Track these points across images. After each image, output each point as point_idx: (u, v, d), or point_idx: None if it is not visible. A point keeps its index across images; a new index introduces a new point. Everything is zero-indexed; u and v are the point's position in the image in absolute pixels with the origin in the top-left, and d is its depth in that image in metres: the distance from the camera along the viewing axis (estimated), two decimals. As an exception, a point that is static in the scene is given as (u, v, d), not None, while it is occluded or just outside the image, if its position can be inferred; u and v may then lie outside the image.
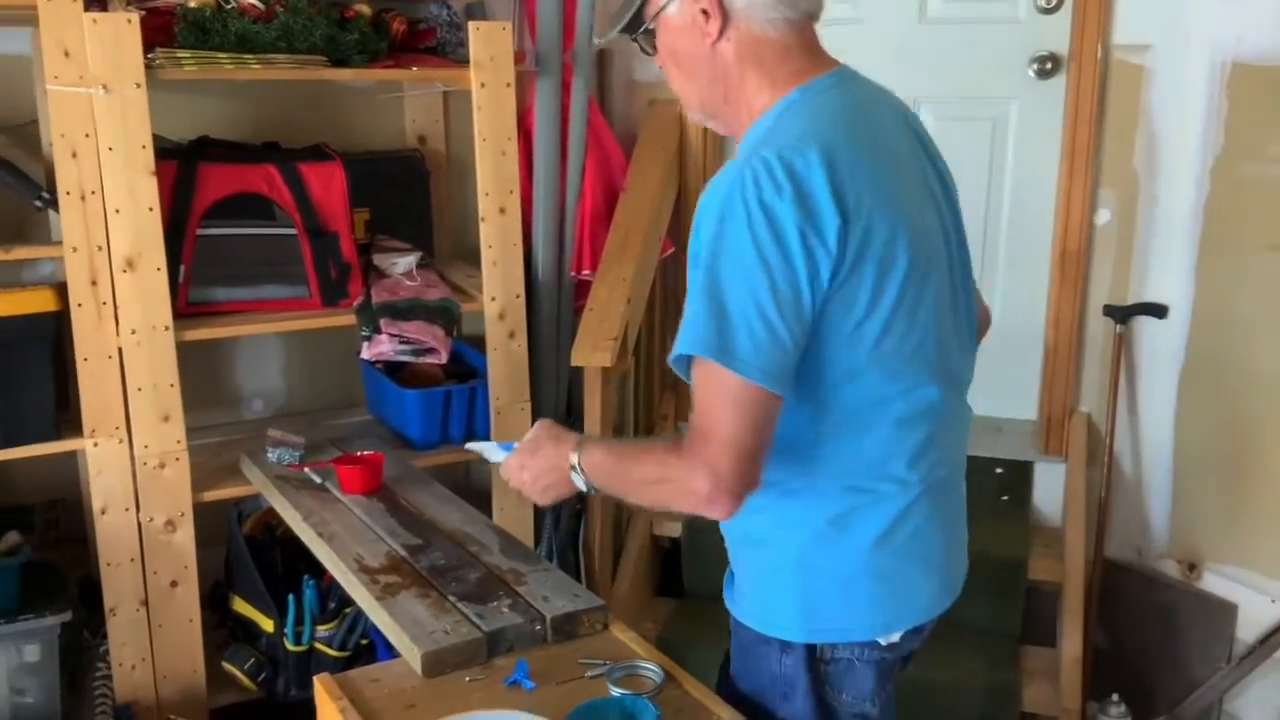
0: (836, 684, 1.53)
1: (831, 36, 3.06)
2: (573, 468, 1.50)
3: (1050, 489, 3.07)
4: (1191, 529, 2.92)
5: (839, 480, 1.45)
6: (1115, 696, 2.79)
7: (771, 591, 1.52)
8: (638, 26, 1.50)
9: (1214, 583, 2.88)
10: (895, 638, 1.51)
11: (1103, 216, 2.93)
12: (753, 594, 1.55)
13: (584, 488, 1.51)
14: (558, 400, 2.99)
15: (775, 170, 1.31)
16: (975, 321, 1.61)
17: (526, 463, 1.58)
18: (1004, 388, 3.17)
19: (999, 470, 3.08)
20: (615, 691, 1.55)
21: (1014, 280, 3.12)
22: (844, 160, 1.34)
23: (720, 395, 1.31)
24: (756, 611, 1.54)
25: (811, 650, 1.51)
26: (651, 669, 1.61)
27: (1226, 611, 2.84)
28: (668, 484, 1.39)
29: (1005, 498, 3.07)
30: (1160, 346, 2.91)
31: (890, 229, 1.37)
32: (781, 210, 1.30)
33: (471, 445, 1.83)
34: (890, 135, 1.49)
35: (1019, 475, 3.08)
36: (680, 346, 1.34)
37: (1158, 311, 2.88)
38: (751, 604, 1.55)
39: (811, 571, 1.48)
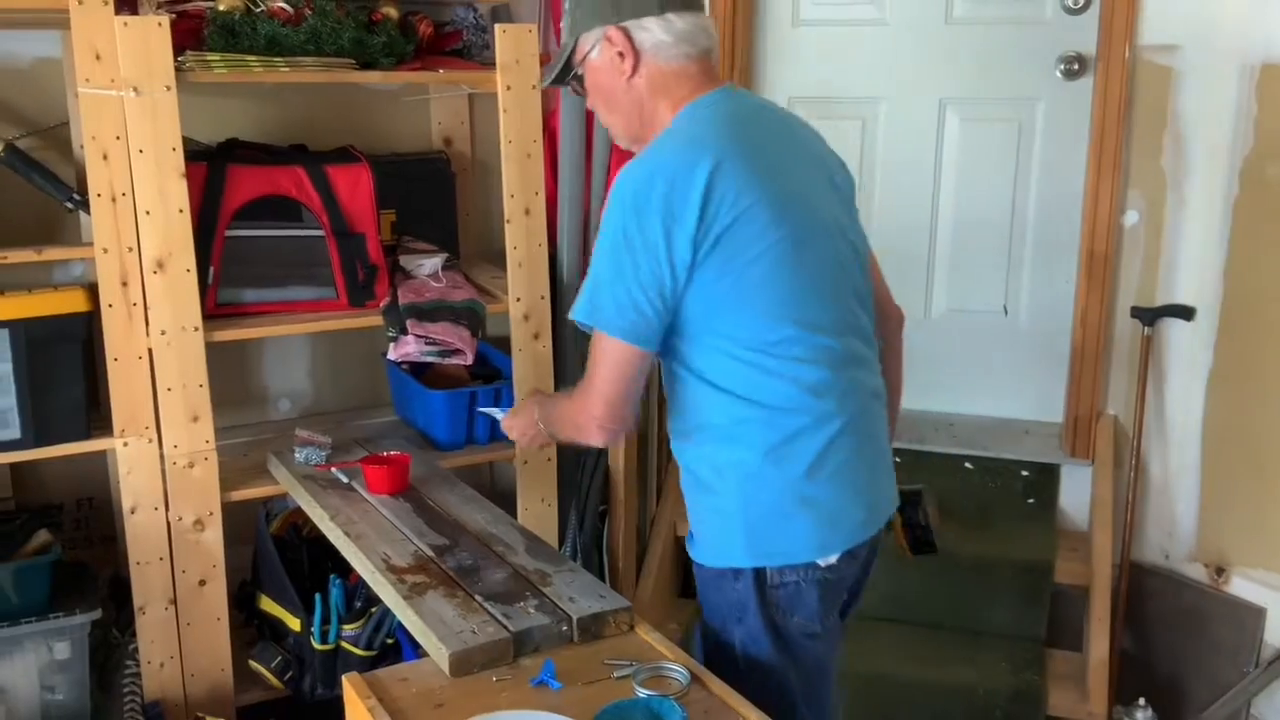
0: (786, 607, 1.73)
1: (856, 38, 3.06)
2: (539, 420, 1.91)
3: (1077, 492, 3.06)
4: (1219, 532, 2.90)
5: (763, 419, 1.67)
6: (1142, 701, 2.78)
7: (722, 529, 1.73)
8: (569, 73, 1.82)
9: (1242, 586, 2.86)
10: (833, 559, 1.72)
11: (1130, 218, 2.92)
12: (708, 535, 1.77)
13: (547, 434, 1.92)
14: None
15: (650, 171, 1.63)
16: (872, 290, 1.84)
17: (512, 423, 2.04)
18: (1030, 390, 3.17)
19: (1025, 473, 3.07)
20: (641, 692, 1.56)
21: (1041, 281, 3.11)
22: (718, 157, 1.62)
23: (602, 353, 1.67)
24: (712, 549, 1.76)
25: (759, 575, 1.71)
26: (677, 670, 1.62)
27: (1254, 615, 2.82)
28: (575, 422, 1.76)
29: (1031, 500, 3.06)
30: (1188, 348, 2.90)
31: (761, 207, 1.62)
32: (652, 201, 1.60)
33: (483, 410, 2.38)
34: (771, 134, 1.74)
35: (1045, 478, 3.07)
36: (583, 312, 1.68)
37: (1185, 313, 2.87)
38: (707, 544, 1.77)
39: (752, 504, 1.70)
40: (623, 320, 1.63)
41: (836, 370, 1.69)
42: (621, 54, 1.73)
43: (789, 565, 1.70)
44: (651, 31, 1.72)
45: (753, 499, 1.69)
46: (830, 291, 1.71)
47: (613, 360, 1.66)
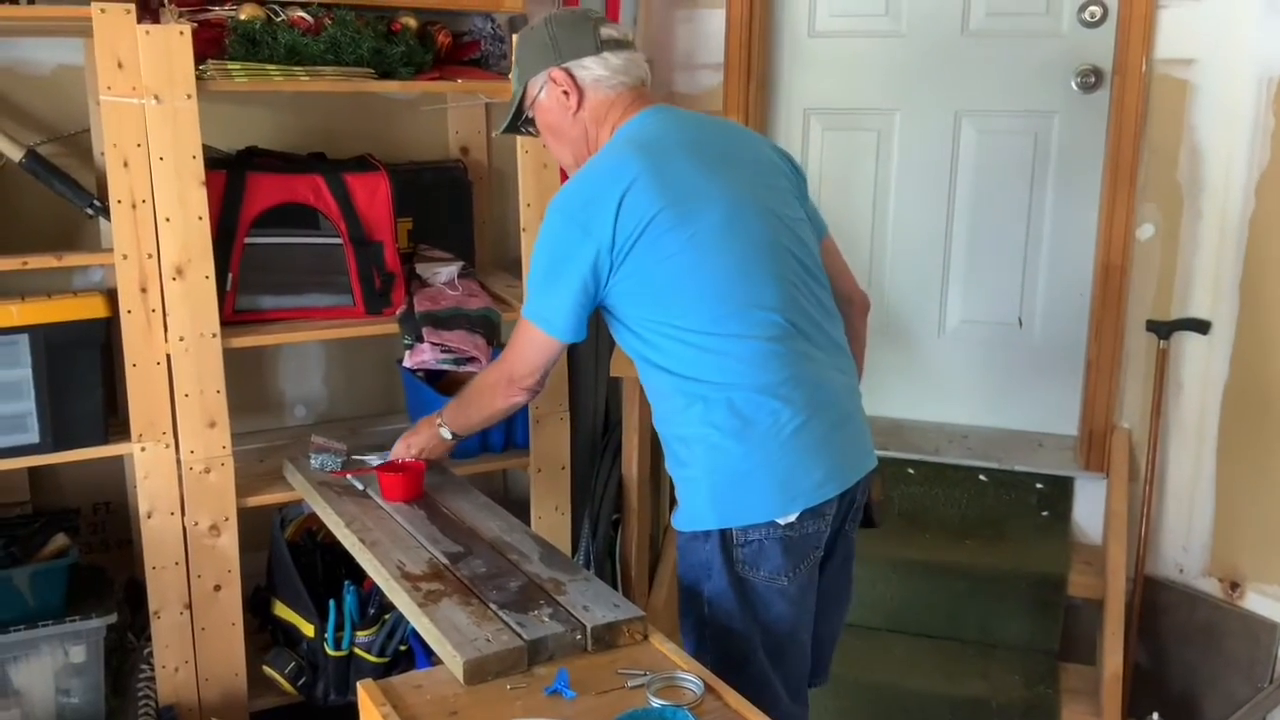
0: (751, 562, 1.87)
1: (872, 49, 3.08)
2: (441, 425, 2.23)
3: (1091, 505, 3.05)
4: (1234, 547, 2.89)
5: (715, 395, 1.82)
6: (1155, 716, 2.76)
7: (693, 497, 1.90)
8: (520, 117, 2.05)
9: (1256, 602, 2.85)
10: (792, 518, 1.85)
11: (1145, 231, 2.92)
12: (683, 504, 1.93)
13: (449, 436, 2.24)
14: (595, 411, 3.00)
15: (570, 189, 1.89)
16: (823, 270, 2.00)
17: (410, 440, 2.31)
18: (1045, 402, 3.16)
19: (1039, 485, 3.06)
20: (655, 702, 1.56)
21: (1056, 294, 3.10)
22: (631, 176, 1.81)
23: (524, 340, 1.97)
24: (686, 516, 1.92)
25: (724, 535, 1.86)
26: (691, 680, 1.62)
27: (1269, 631, 2.81)
28: (486, 391, 2.09)
29: (1045, 513, 3.06)
30: (1203, 362, 2.89)
31: (668, 212, 1.80)
32: (569, 208, 1.86)
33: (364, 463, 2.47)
34: (691, 143, 1.91)
35: (1060, 491, 3.06)
36: (525, 309, 1.95)
37: (1201, 327, 2.86)
38: (683, 512, 1.93)
39: (715, 471, 1.86)
40: (546, 312, 1.91)
41: (782, 342, 1.84)
42: (566, 92, 1.96)
43: (751, 525, 1.85)
44: (590, 69, 1.95)
45: (715, 467, 1.86)
46: (766, 272, 1.85)
47: (530, 342, 1.96)
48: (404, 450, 2.30)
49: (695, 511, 1.90)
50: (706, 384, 1.83)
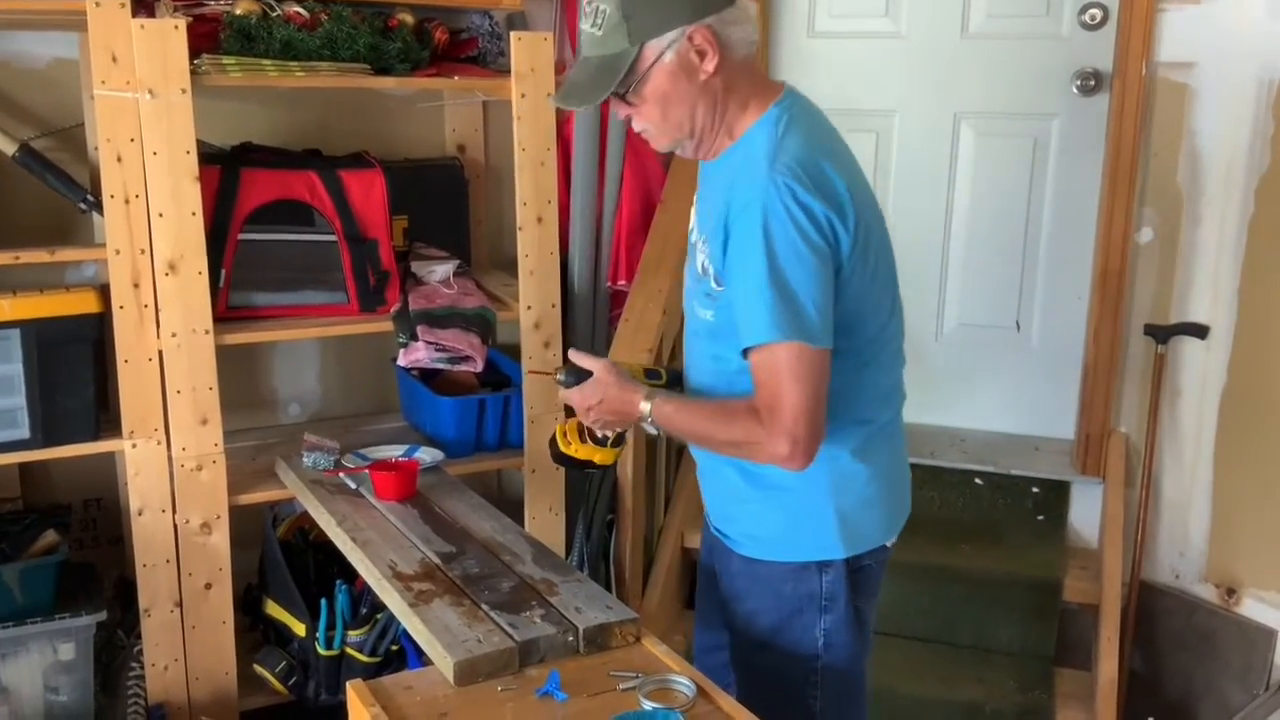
0: (865, 590, 1.80)
1: (872, 51, 3.05)
2: (643, 417, 1.74)
3: (1087, 509, 3.04)
4: (1231, 553, 2.88)
5: (852, 415, 1.69)
6: (1150, 721, 2.76)
7: (806, 523, 1.74)
8: (629, 85, 1.62)
9: (1253, 608, 2.84)
10: (894, 539, 1.83)
11: (1145, 235, 2.91)
12: (781, 531, 1.76)
13: (651, 430, 1.79)
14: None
15: (803, 176, 1.56)
16: None
17: (592, 405, 1.77)
18: (1042, 406, 3.15)
19: (1035, 489, 3.05)
20: (647, 704, 1.55)
21: (1053, 297, 3.09)
22: (843, 164, 1.64)
23: (794, 368, 1.56)
24: (789, 544, 1.76)
25: (849, 563, 1.75)
26: (683, 682, 1.61)
27: (1265, 637, 2.80)
28: (752, 446, 1.63)
29: (1041, 517, 3.05)
30: (1201, 367, 2.88)
31: (867, 211, 1.65)
32: (817, 208, 1.56)
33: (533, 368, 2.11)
34: (839, 136, 1.73)
35: (1056, 495, 3.05)
36: (761, 335, 1.57)
37: (1199, 332, 2.85)
38: (780, 540, 1.76)
39: (845, 496, 1.73)
40: (824, 327, 1.58)
41: (897, 357, 1.78)
42: (701, 53, 1.60)
43: (869, 550, 1.78)
44: (735, 26, 1.61)
45: (844, 491, 1.73)
46: (895, 294, 1.76)
47: (815, 372, 1.58)
48: (581, 407, 1.80)
49: (814, 540, 1.75)
50: (849, 400, 1.68)
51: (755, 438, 1.61)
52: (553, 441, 1.91)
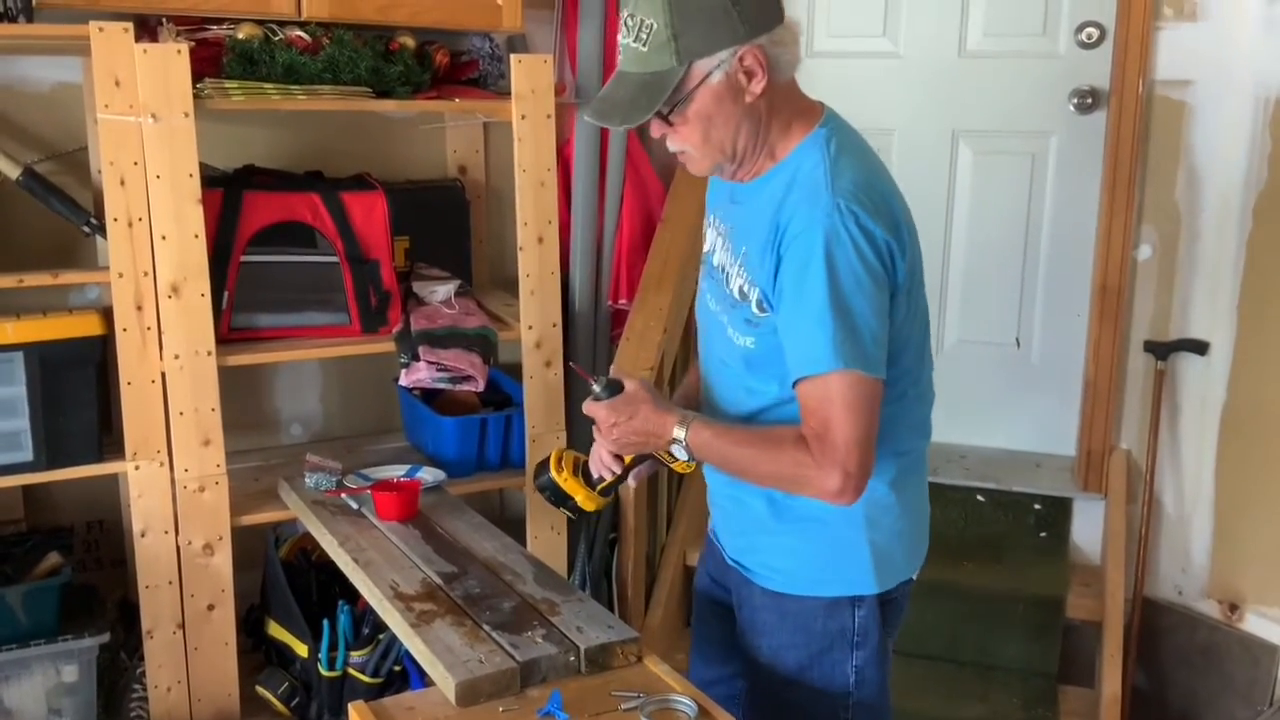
0: (892, 623, 1.77)
1: (870, 70, 3.06)
2: (675, 441, 1.64)
3: (1089, 526, 3.04)
4: (1233, 569, 2.88)
5: (889, 448, 1.62)
6: (1154, 738, 2.75)
7: (839, 557, 1.69)
8: (673, 105, 1.54)
9: (1256, 624, 2.84)
10: (918, 569, 1.80)
11: (1143, 252, 2.91)
12: (812, 565, 1.69)
13: (682, 456, 1.67)
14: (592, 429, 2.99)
15: (866, 201, 1.52)
16: None
17: (620, 421, 1.67)
18: (1043, 423, 3.16)
19: (1038, 506, 3.05)
20: (649, 724, 1.55)
21: (1053, 315, 3.10)
22: (895, 189, 1.61)
23: (850, 398, 1.51)
24: (820, 579, 1.70)
25: (882, 597, 1.71)
26: (685, 703, 1.61)
27: (1268, 653, 2.80)
28: (799, 480, 1.57)
29: (1043, 534, 3.04)
30: (1202, 383, 2.88)
31: (915, 237, 1.62)
32: (879, 234, 1.52)
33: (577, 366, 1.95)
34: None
35: (1058, 511, 3.05)
36: (820, 364, 1.51)
37: (1199, 348, 2.86)
38: (811, 575, 1.70)
39: (878, 529, 1.68)
40: (881, 357, 1.54)
41: (928, 391, 1.75)
42: (750, 74, 1.53)
43: (898, 583, 1.74)
44: (784, 47, 1.55)
45: (877, 524, 1.68)
46: (928, 321, 1.72)
47: (870, 402, 1.53)
48: (607, 423, 1.69)
49: (847, 575, 1.70)
50: (889, 431, 1.60)
51: (804, 471, 1.55)
52: (544, 463, 1.83)
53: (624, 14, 1.55)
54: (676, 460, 1.70)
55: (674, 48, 1.50)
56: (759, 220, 1.60)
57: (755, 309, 1.61)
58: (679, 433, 1.63)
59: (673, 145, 1.62)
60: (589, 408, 1.70)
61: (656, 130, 1.61)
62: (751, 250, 1.61)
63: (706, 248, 1.78)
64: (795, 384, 1.55)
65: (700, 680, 1.88)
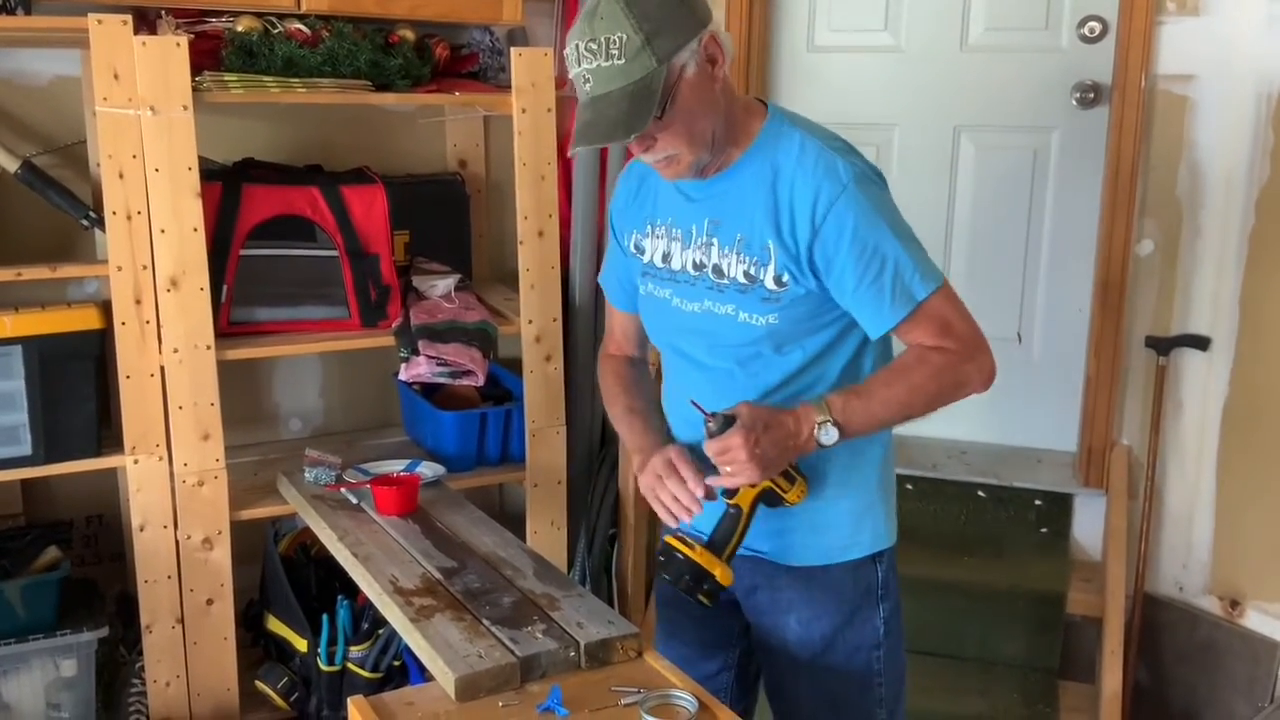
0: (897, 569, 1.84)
1: (871, 64, 3.05)
2: (822, 424, 1.60)
3: (1090, 521, 3.03)
4: (1234, 565, 2.87)
5: None
6: (1155, 734, 2.75)
7: (864, 518, 1.76)
8: (665, 103, 1.55)
9: (1257, 620, 2.83)
10: None
11: (1145, 247, 2.91)
12: (840, 534, 1.76)
13: (830, 442, 1.61)
14: (592, 423, 2.99)
15: (855, 152, 1.67)
16: None
17: (759, 437, 1.59)
18: (1043, 418, 3.15)
19: (1038, 502, 3.05)
20: (649, 720, 1.54)
21: (1055, 309, 3.09)
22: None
23: (951, 304, 1.64)
24: (848, 543, 1.76)
25: (893, 548, 1.81)
26: (685, 698, 1.60)
27: (1269, 649, 2.79)
28: (960, 380, 1.65)
29: (1044, 530, 3.04)
30: (1203, 378, 2.88)
31: None
32: (881, 172, 1.69)
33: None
34: None
35: (1058, 507, 3.04)
36: (925, 287, 1.61)
37: (1200, 343, 2.85)
38: (839, 542, 1.76)
39: (885, 486, 1.79)
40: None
41: None
42: (713, 60, 1.59)
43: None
44: (724, 34, 1.62)
45: (886, 479, 1.80)
46: None
47: (961, 304, 1.66)
48: (747, 446, 1.58)
49: (871, 534, 1.78)
50: None
51: (959, 367, 1.63)
52: (665, 551, 1.67)
53: (579, 45, 1.54)
54: (797, 481, 1.67)
55: (650, 49, 1.53)
56: (748, 204, 1.66)
57: (772, 284, 1.65)
58: (820, 415, 1.61)
59: (656, 154, 1.62)
60: (712, 446, 1.61)
61: (638, 146, 1.60)
62: (751, 234, 1.66)
63: (650, 257, 1.79)
64: (897, 325, 1.63)
65: (699, 676, 1.83)
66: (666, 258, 1.76)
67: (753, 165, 1.66)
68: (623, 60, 1.53)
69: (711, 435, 1.61)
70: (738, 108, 1.67)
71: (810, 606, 1.78)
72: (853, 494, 1.75)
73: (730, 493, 1.66)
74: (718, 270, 1.70)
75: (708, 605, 1.68)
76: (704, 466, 1.65)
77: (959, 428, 3.22)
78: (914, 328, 1.64)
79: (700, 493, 1.64)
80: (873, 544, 1.78)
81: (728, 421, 1.60)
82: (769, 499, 1.68)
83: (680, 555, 1.66)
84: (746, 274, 1.67)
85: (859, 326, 1.68)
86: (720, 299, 1.70)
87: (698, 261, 1.72)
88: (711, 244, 1.70)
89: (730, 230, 1.68)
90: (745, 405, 1.63)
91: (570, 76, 1.58)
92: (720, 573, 1.65)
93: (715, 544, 1.67)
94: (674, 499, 1.66)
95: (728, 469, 1.61)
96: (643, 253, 1.81)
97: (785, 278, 1.64)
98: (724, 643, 1.93)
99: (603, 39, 1.53)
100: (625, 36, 1.52)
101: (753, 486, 1.65)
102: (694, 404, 1.67)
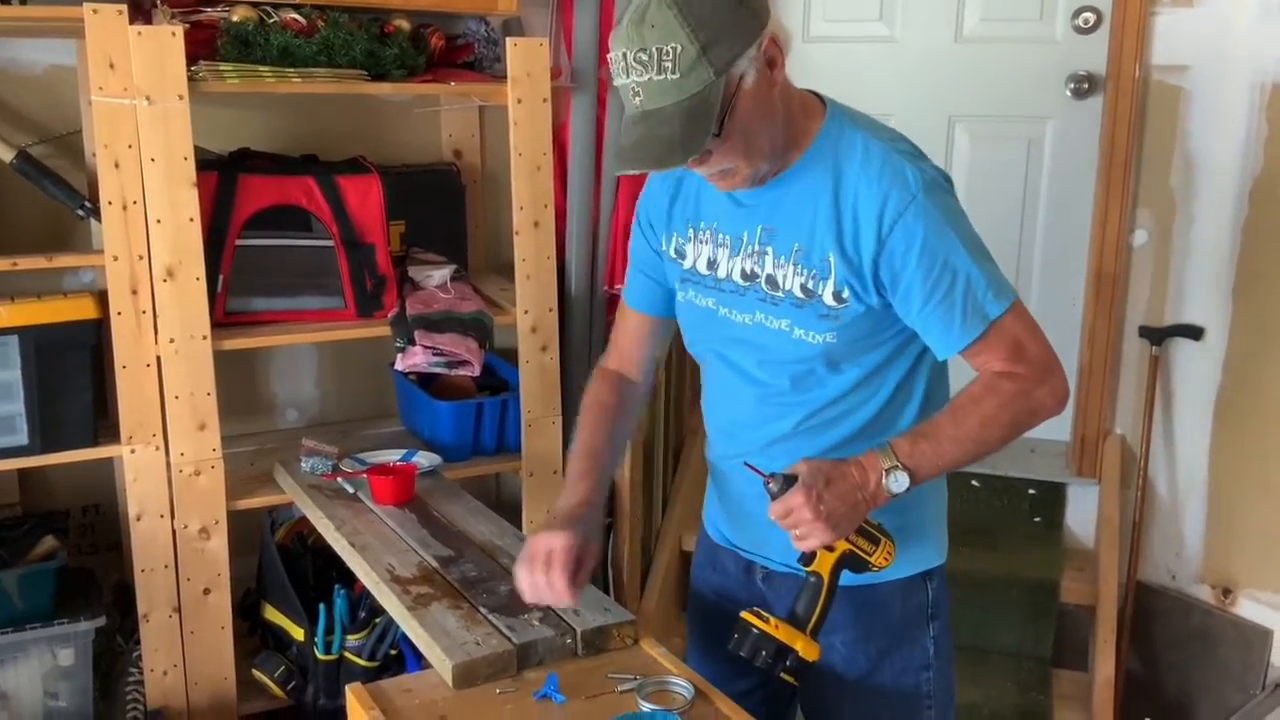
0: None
1: (866, 54, 3.05)
2: (890, 471, 1.50)
3: (1083, 511, 3.05)
4: (1226, 553, 2.89)
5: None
6: (1147, 722, 2.77)
7: (912, 537, 1.64)
8: (723, 118, 1.43)
9: (1249, 608, 2.85)
10: None
11: (1139, 238, 2.92)
12: (911, 546, 1.65)
13: (900, 489, 1.50)
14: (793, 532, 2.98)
15: (922, 155, 1.57)
16: None
17: (822, 495, 1.48)
18: (1037, 408, 3.16)
19: (1032, 491, 3.06)
20: (645, 706, 1.55)
21: (1048, 300, 3.10)
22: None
23: (1023, 322, 1.54)
24: (900, 560, 1.61)
25: (943, 566, 1.74)
26: (682, 684, 1.61)
27: (1261, 637, 2.81)
28: (1034, 408, 1.55)
29: (1038, 519, 3.05)
30: (1196, 368, 2.89)
31: None
32: (948, 176, 1.58)
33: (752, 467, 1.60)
34: None
35: (1052, 496, 3.06)
36: (998, 305, 1.51)
37: (1194, 333, 2.86)
38: (911, 554, 1.66)
39: (938, 500, 1.73)
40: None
41: None
42: (772, 62, 1.46)
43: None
44: (781, 26, 1.48)
45: (938, 495, 1.73)
46: None
47: (1033, 322, 1.56)
48: (811, 505, 1.47)
49: (923, 550, 1.70)
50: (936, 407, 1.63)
51: (1031, 392, 1.53)
52: (742, 628, 1.55)
53: (627, 54, 1.41)
54: (881, 542, 1.55)
55: (706, 60, 1.39)
56: (806, 213, 1.55)
57: (831, 300, 1.55)
58: (886, 462, 1.50)
59: (711, 168, 1.50)
60: (775, 510, 1.50)
61: (694, 162, 1.46)
62: (811, 245, 1.55)
63: (692, 263, 1.68)
64: (968, 346, 1.53)
65: (733, 694, 1.69)
66: (712, 264, 1.65)
67: (812, 170, 1.55)
68: (677, 74, 1.39)
69: (774, 497, 1.50)
70: (795, 108, 1.54)
71: (857, 627, 1.70)
72: (904, 511, 1.61)
73: (807, 559, 1.54)
74: (771, 281, 1.59)
75: (794, 685, 1.56)
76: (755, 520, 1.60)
77: (953, 417, 3.23)
78: (984, 349, 1.53)
79: (565, 601, 1.62)
80: (923, 561, 1.70)
81: (788, 482, 1.49)
82: (852, 564, 1.55)
83: (756, 631, 1.53)
84: (804, 288, 1.56)
85: (915, 341, 1.60)
86: (774, 313, 1.60)
87: (748, 271, 1.61)
88: (765, 253, 1.59)
89: (787, 240, 1.57)
90: (804, 462, 1.51)
91: (615, 85, 1.46)
92: (803, 647, 1.53)
93: (797, 617, 1.54)
94: (532, 586, 1.64)
95: (796, 532, 1.49)
96: (684, 257, 1.69)
97: (845, 294, 1.54)
98: None
99: (654, 49, 1.39)
100: (680, 47, 1.38)
101: (830, 550, 1.53)
102: (749, 466, 1.57)
